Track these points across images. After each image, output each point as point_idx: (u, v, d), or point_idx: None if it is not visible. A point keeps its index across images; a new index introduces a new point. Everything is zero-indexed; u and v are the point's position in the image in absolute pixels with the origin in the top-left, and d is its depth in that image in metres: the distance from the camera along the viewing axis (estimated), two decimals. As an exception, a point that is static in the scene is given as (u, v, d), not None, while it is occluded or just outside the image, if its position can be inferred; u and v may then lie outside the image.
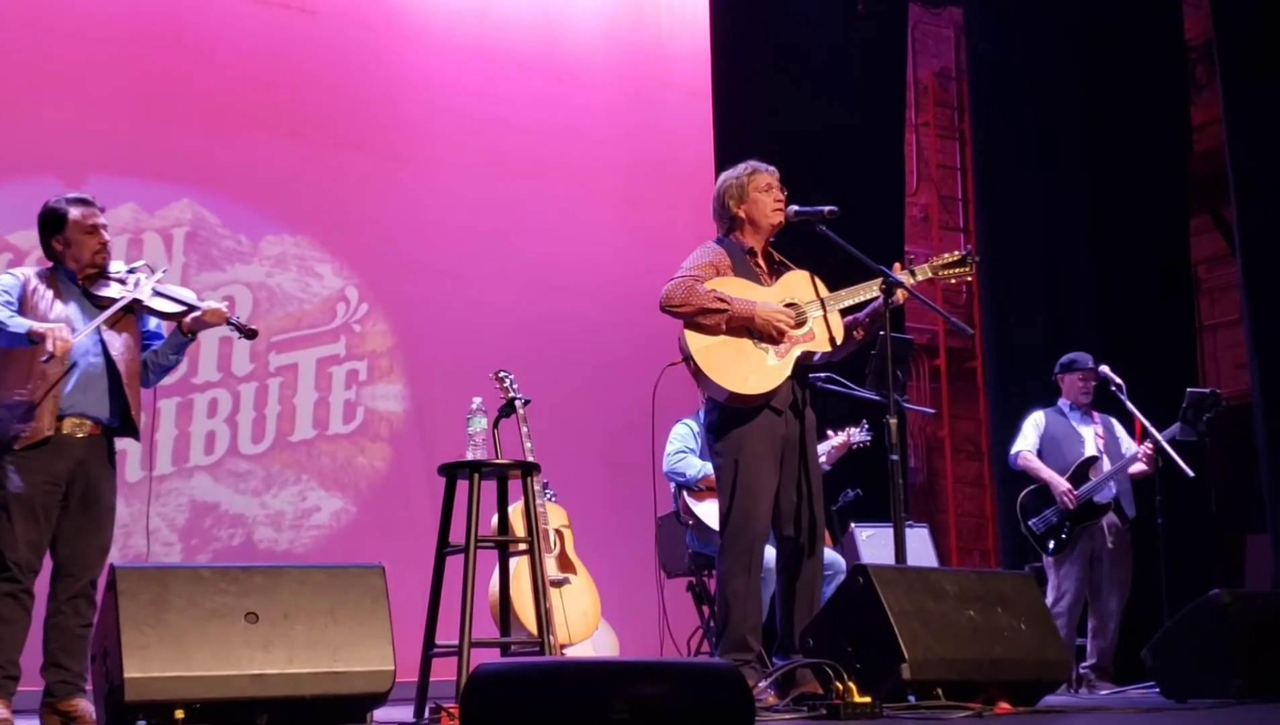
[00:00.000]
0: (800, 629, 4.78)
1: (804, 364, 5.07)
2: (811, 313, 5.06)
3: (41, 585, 4.73)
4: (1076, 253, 9.37)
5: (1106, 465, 7.23)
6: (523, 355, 7.45)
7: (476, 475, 4.72)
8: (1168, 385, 7.72)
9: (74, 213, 4.89)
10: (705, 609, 6.88)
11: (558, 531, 6.56)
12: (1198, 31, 10.21)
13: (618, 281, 8.40)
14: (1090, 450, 7.29)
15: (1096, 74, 9.38)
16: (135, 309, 4.90)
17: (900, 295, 5.00)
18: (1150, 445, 7.08)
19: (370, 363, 7.87)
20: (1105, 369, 7.31)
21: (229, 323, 4.97)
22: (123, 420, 4.85)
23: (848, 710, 4.02)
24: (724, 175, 5.27)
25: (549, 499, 6.65)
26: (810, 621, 4.74)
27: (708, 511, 6.33)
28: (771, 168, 5.22)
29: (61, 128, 7.09)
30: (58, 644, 4.67)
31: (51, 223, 4.90)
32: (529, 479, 4.89)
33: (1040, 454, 7.40)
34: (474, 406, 4.92)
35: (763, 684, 4.63)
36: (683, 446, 6.61)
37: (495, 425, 5.54)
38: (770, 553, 5.19)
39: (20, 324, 4.62)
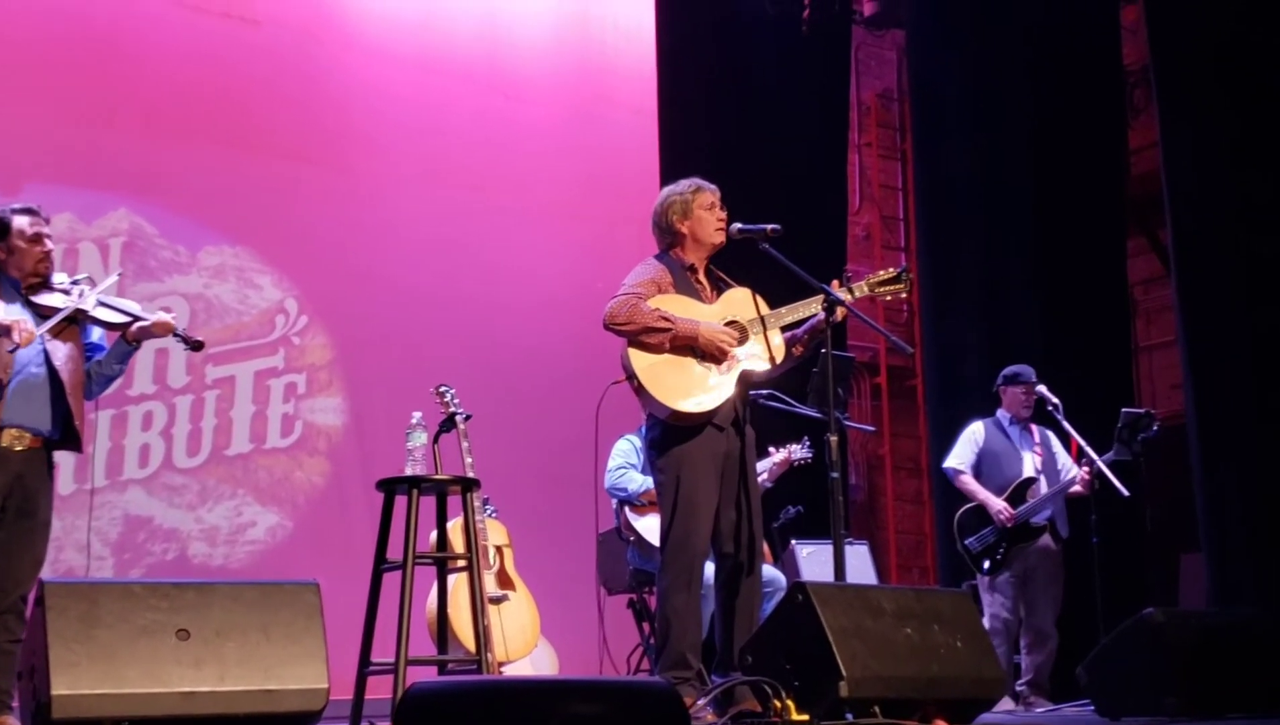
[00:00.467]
0: (739, 646, 4.76)
1: (745, 382, 5.06)
2: (753, 331, 5.06)
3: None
4: (1016, 273, 9.43)
5: (1044, 487, 7.25)
6: (464, 370, 7.40)
7: (415, 491, 4.68)
8: (1104, 404, 7.77)
9: (18, 221, 4.86)
10: (645, 626, 6.86)
11: (497, 548, 6.52)
12: (1136, 57, 10.33)
13: (561, 297, 8.37)
14: (1029, 471, 7.30)
15: (1037, 97, 9.45)
16: (79, 319, 4.86)
17: (840, 312, 5.00)
18: (1089, 467, 7.11)
19: (309, 376, 7.80)
20: (1043, 388, 7.34)
21: (176, 335, 4.94)
22: (64, 432, 4.79)
23: (785, 728, 4.00)
24: (667, 190, 5.26)
25: (489, 515, 6.61)
26: (749, 639, 4.72)
27: (649, 527, 6.32)
28: (714, 186, 5.22)
29: (-4, 135, 7.00)
30: (-15, 660, 4.58)
31: None
32: (469, 495, 4.86)
33: (978, 469, 7.38)
34: (414, 421, 4.88)
35: (701, 701, 4.62)
36: (624, 462, 6.60)
37: (435, 440, 5.50)
38: (710, 569, 5.18)
39: None
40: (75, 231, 7.18)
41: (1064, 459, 7.46)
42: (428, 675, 4.99)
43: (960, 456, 7.45)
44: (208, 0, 7.75)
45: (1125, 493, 6.93)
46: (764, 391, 6.42)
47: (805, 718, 4.05)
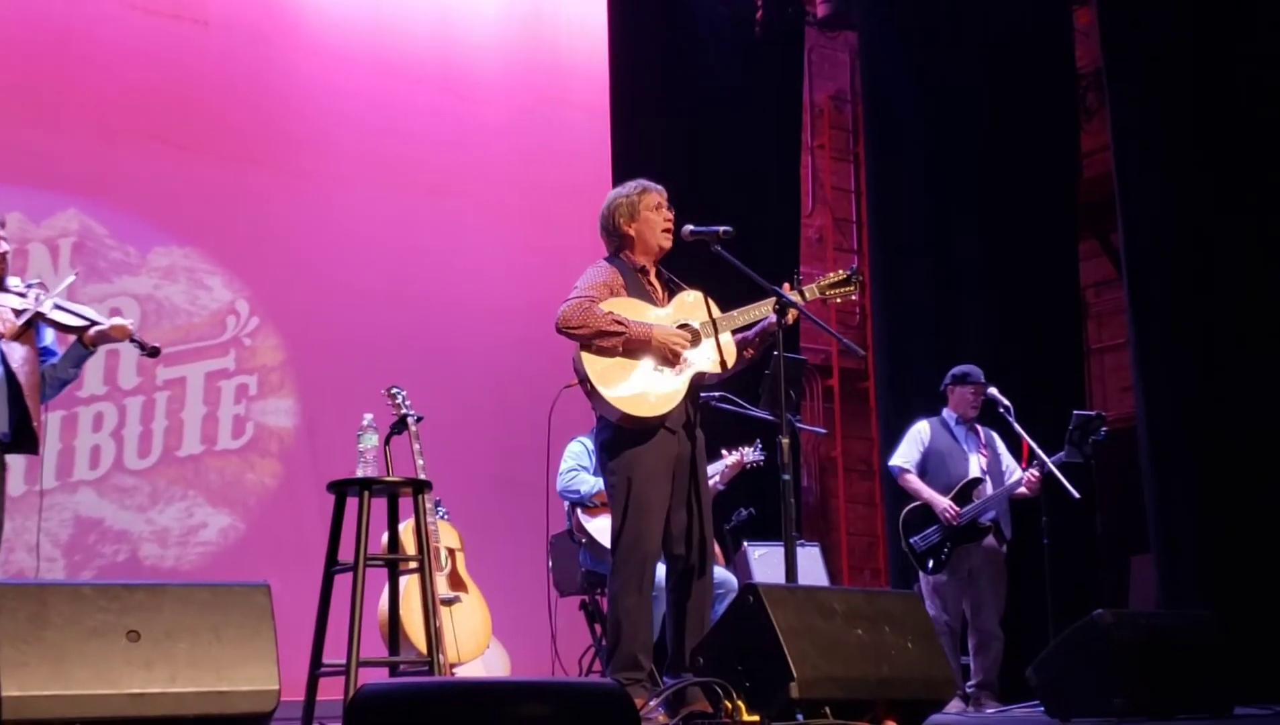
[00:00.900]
0: (691, 648, 4.79)
1: (697, 385, 5.10)
2: (705, 334, 5.09)
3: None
4: (968, 275, 9.50)
5: (990, 488, 7.31)
6: (416, 372, 7.42)
7: (367, 492, 4.69)
8: (1055, 407, 7.84)
9: None
10: (597, 627, 6.88)
11: (449, 550, 6.53)
12: (1088, 59, 10.42)
13: (513, 299, 8.39)
14: (974, 471, 7.34)
15: (989, 99, 9.52)
16: (34, 322, 4.85)
17: (792, 315, 5.04)
18: (1037, 470, 7.17)
19: (260, 377, 7.79)
20: (994, 390, 7.40)
21: (132, 340, 4.95)
22: (18, 434, 4.78)
23: (736, 729, 4.04)
24: (613, 193, 5.29)
25: (441, 517, 6.62)
26: (701, 640, 4.75)
27: (601, 528, 6.35)
28: (660, 187, 5.25)
29: (-56, 134, 6.96)
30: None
31: None
32: (420, 497, 4.87)
33: (924, 468, 7.41)
34: (365, 423, 4.89)
35: (653, 703, 4.64)
36: (576, 464, 6.62)
37: (387, 442, 5.50)
38: (662, 571, 5.21)
39: None
40: (25, 232, 7.14)
41: (1008, 461, 7.52)
42: (379, 677, 5.00)
43: (905, 455, 7.48)
44: (157, 1, 7.72)
45: (1076, 495, 6.99)
46: (716, 393, 6.46)
47: (756, 719, 4.08)
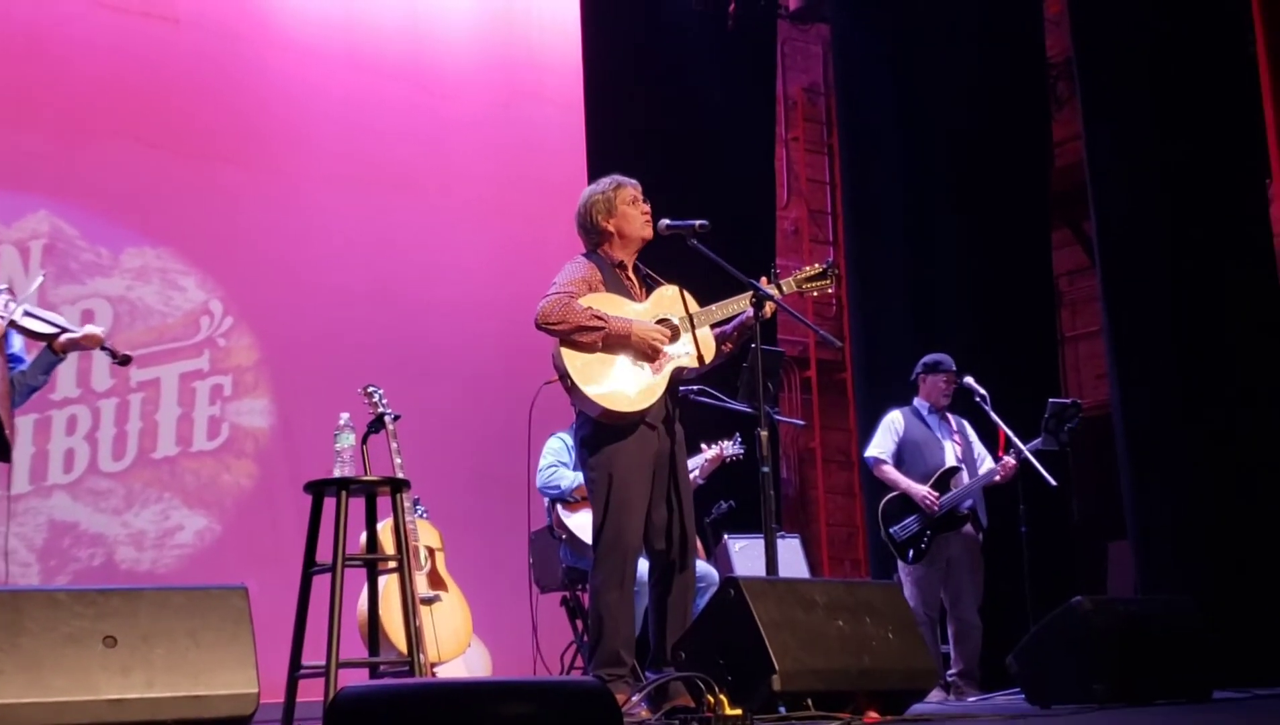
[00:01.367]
0: (672, 642, 4.80)
1: (676, 380, 5.08)
2: (684, 328, 5.08)
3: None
4: (942, 266, 9.50)
5: (966, 477, 7.31)
6: (392, 370, 7.39)
7: (344, 492, 4.65)
8: (1031, 395, 7.84)
9: None
10: (579, 624, 6.86)
11: (429, 549, 6.50)
12: (1059, 49, 10.44)
13: (491, 295, 8.36)
14: (950, 461, 7.33)
15: (961, 90, 9.53)
16: (5, 330, 4.80)
17: (769, 308, 5.03)
18: (1013, 458, 7.17)
19: (235, 377, 7.74)
20: (970, 380, 7.40)
21: (103, 348, 4.91)
22: (-10, 441, 4.74)
23: (719, 723, 4.03)
24: (588, 190, 5.27)
25: (420, 516, 6.59)
26: (683, 635, 4.76)
27: (581, 524, 6.33)
28: (634, 181, 5.24)
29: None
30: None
31: None
32: (398, 496, 4.83)
33: (899, 458, 7.40)
34: (341, 422, 4.86)
35: (635, 698, 4.63)
36: (555, 460, 6.60)
37: (364, 441, 5.49)
38: (644, 566, 5.20)
39: None
40: (-6, 234, 7.10)
41: (980, 448, 7.51)
42: (359, 678, 4.98)
43: (880, 445, 7.48)
44: (127, -1, 7.68)
45: (1052, 482, 7.00)
46: (694, 387, 6.46)
47: (739, 712, 4.07)
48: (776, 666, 4.26)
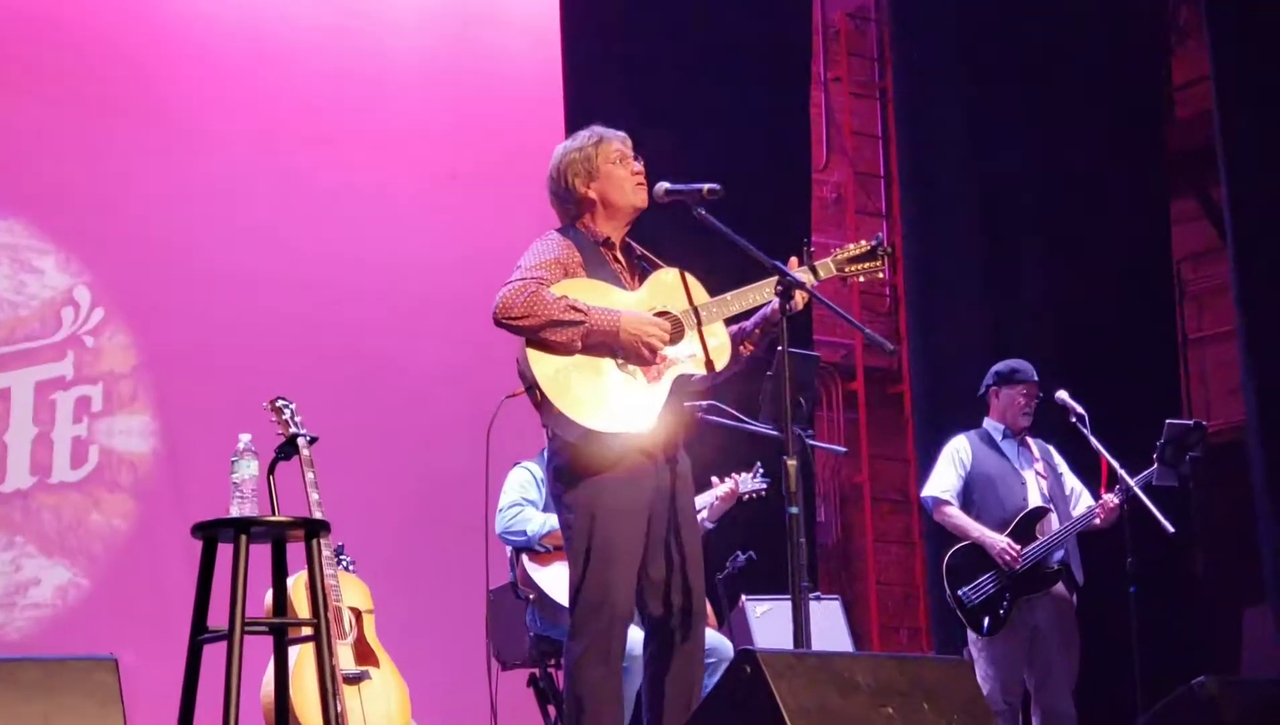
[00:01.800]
0: (673, 733, 4.80)
1: (680, 392, 5.08)
2: (689, 325, 5.07)
3: None
4: (1028, 246, 9.51)
5: (1056, 522, 7.30)
6: (309, 379, 7.40)
7: (244, 537, 4.65)
8: (1143, 415, 7.85)
9: None
10: (551, 710, 6.87)
11: (355, 611, 6.50)
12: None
13: (438, 283, 8.39)
14: (1035, 500, 7.34)
15: (1050, 17, 9.52)
16: None
17: (800, 298, 5.02)
18: (1118, 495, 7.16)
19: (107, 388, 7.75)
20: (1063, 395, 7.40)
21: None
22: None
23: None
24: (562, 148, 5.25)
25: (344, 568, 6.60)
26: (685, 723, 4.74)
27: (553, 581, 6.34)
28: (621, 134, 5.23)
29: None
30: None
31: None
32: (315, 542, 4.84)
33: (967, 497, 7.40)
34: (242, 446, 4.86)
35: (623, 806, 4.64)
36: (519, 497, 6.61)
37: (271, 471, 5.49)
38: (636, 636, 5.20)
39: None
40: None
41: (1073, 482, 7.52)
42: (264, 779, 4.98)
43: (942, 482, 7.48)
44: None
45: (1170, 528, 6.99)
46: (703, 403, 6.45)
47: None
48: (806, 767, 4.26)
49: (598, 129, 5.23)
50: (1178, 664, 7.33)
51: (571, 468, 4.99)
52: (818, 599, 7.79)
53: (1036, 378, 7.47)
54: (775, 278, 5.01)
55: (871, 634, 11.55)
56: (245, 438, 4.91)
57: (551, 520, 6.21)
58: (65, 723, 3.96)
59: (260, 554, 4.77)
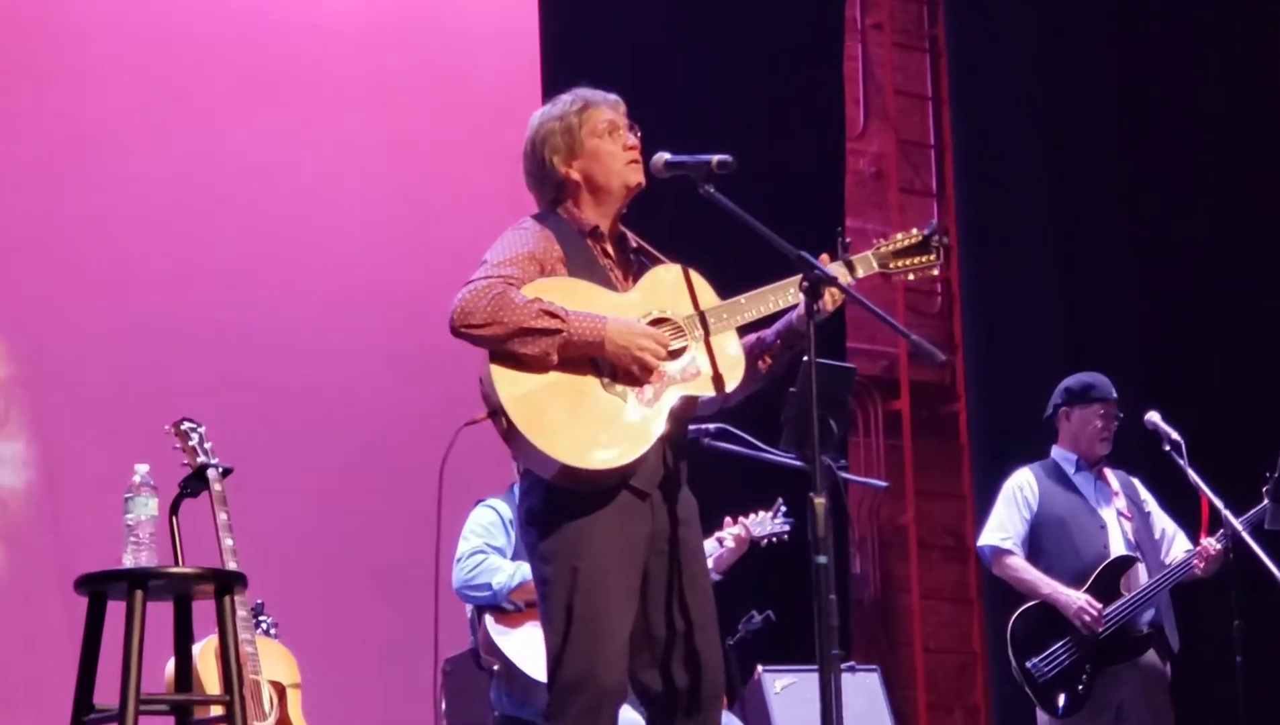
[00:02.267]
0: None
1: (683, 416, 5.05)
2: (694, 333, 5.04)
3: None
4: (1108, 236, 9.52)
5: (1145, 574, 7.29)
6: (223, 398, 7.40)
7: (140, 592, 4.64)
8: (1248, 444, 7.85)
9: None
10: (522, 807, 6.86)
11: (276, 685, 6.48)
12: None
13: (384, 282, 8.39)
14: (1118, 547, 7.35)
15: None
16: None
17: (831, 299, 4.99)
18: (1220, 541, 7.15)
19: (-31, 407, 7.76)
20: (1154, 417, 7.40)
21: None
22: None
23: None
24: (538, 116, 5.22)
25: (263, 632, 6.58)
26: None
27: (524, 648, 6.37)
28: (612, 97, 5.20)
29: None
30: None
31: None
32: (228, 599, 4.82)
33: (1036, 547, 7.42)
34: (138, 479, 4.85)
35: None
36: (483, 543, 6.61)
37: (174, 510, 5.45)
38: (630, 717, 5.17)
39: None
40: None
41: (1163, 522, 7.53)
42: None
43: (1004, 526, 7.49)
44: None
45: (1286, 581, 7.02)
46: (711, 427, 6.44)
47: None
48: None
49: (583, 92, 5.19)
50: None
51: (547, 510, 4.95)
52: (851, 670, 7.81)
53: (1115, 395, 7.46)
54: (802, 275, 4.98)
55: (919, 713, 11.54)
56: (142, 469, 4.90)
57: (523, 570, 6.19)
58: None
59: (160, 613, 4.75)
